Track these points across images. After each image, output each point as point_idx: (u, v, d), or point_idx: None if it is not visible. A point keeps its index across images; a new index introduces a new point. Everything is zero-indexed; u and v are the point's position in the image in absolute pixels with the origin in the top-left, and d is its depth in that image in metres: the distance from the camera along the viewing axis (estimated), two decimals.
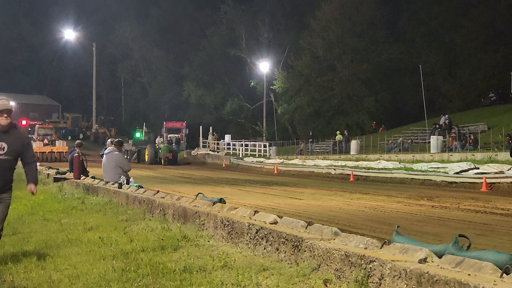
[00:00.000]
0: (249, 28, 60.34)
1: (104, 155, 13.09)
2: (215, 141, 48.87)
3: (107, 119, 69.95)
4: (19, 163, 6.09)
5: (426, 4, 51.35)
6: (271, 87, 54.64)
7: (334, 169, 26.80)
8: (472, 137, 29.24)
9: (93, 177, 14.84)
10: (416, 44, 51.43)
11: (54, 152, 39.69)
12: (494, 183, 18.32)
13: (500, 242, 7.48)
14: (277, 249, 4.98)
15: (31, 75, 76.14)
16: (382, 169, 24.81)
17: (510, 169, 19.31)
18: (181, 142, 49.82)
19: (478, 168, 20.35)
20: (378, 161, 27.27)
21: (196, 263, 5.17)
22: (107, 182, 12.49)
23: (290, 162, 33.80)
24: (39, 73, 79.72)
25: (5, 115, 5.64)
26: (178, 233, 6.60)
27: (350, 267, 3.96)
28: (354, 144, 35.81)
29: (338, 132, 41.28)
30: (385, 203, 13.21)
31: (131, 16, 71.87)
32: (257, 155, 41.80)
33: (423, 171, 22.10)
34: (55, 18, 69.35)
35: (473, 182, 19.08)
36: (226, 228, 6.06)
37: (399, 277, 3.50)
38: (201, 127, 51.02)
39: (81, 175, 15.34)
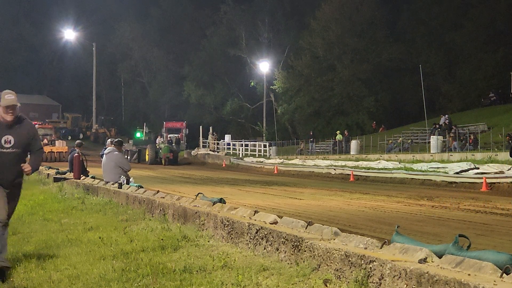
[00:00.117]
0: (249, 28, 60.30)
1: (104, 155, 13.10)
2: (215, 141, 48.82)
3: (107, 119, 69.96)
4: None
5: (426, 4, 51.33)
6: (271, 87, 54.61)
7: (334, 169, 26.80)
8: (472, 137, 29.26)
9: (93, 177, 14.85)
10: (416, 44, 51.41)
11: (54, 152, 39.67)
12: (494, 183, 18.33)
13: (500, 242, 7.48)
14: (277, 249, 4.98)
15: (31, 75, 76.13)
16: (382, 169, 24.81)
17: (510, 169, 19.32)
18: (181, 142, 49.74)
19: (478, 168, 20.35)
20: (378, 161, 27.27)
21: (196, 263, 5.16)
22: (107, 182, 12.49)
23: (290, 162, 33.78)
24: (39, 73, 79.69)
25: (11, 111, 5.66)
26: (178, 233, 6.59)
27: (350, 267, 3.96)
28: (354, 144, 35.82)
29: (338, 132, 41.29)
30: (385, 203, 13.20)
31: (131, 16, 71.80)
32: (257, 155, 41.77)
33: (423, 171, 22.10)
34: (55, 18, 69.37)
35: (473, 182, 19.08)
36: (226, 228, 6.06)
37: (399, 277, 3.50)
38: (201, 127, 50.97)
39: (81, 175, 15.36)
